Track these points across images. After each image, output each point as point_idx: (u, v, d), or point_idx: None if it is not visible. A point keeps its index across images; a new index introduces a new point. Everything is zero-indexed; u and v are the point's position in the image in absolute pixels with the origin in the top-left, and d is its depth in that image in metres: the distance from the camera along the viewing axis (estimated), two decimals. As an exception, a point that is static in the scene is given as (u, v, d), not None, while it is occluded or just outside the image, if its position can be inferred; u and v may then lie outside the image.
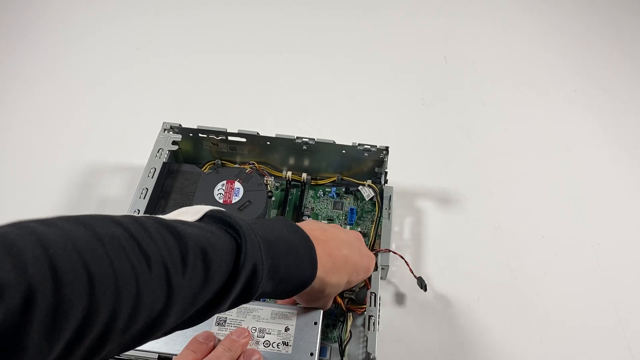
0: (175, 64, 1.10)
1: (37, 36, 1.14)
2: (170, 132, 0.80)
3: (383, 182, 0.78)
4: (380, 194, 0.79)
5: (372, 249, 0.74)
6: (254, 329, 0.59)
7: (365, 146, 0.78)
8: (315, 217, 0.80)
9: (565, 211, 0.87)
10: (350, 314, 0.66)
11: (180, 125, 0.80)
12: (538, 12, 1.29)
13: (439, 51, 1.16)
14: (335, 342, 0.66)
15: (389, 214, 0.75)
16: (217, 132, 0.80)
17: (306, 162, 0.83)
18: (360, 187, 0.81)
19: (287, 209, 0.81)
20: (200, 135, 0.81)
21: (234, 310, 0.60)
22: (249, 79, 1.08)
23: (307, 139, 0.79)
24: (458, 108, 1.04)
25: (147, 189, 0.72)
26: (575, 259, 0.81)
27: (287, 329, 0.59)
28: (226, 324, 0.60)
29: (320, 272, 0.51)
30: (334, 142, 0.78)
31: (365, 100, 1.05)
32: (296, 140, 0.79)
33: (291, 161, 0.83)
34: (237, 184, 0.75)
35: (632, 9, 1.31)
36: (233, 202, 0.74)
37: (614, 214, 0.87)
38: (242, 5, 1.25)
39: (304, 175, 0.83)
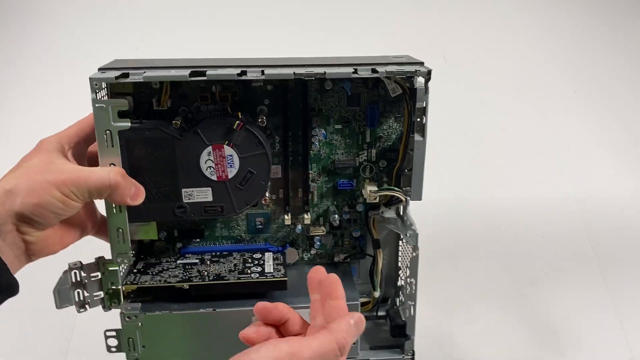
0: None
1: (37, 37, 1.14)
2: (105, 96, 0.53)
3: (415, 82, 0.55)
4: (410, 93, 0.57)
5: (397, 174, 0.61)
6: None
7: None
8: (326, 119, 0.59)
9: (565, 211, 0.87)
10: (379, 250, 0.61)
11: (118, 74, 0.51)
12: (538, 13, 1.29)
13: (438, 51, 1.16)
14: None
15: (424, 127, 0.54)
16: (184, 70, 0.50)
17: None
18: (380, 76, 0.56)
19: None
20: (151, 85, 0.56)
21: None
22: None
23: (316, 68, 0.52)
24: (457, 108, 1.04)
25: None
26: (575, 259, 0.81)
27: None
28: None
29: None
30: (355, 69, 0.51)
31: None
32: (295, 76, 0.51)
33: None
34: (227, 150, 0.55)
35: (632, 9, 1.31)
36: (230, 176, 0.55)
37: (613, 214, 0.87)
38: (242, 6, 1.25)
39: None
